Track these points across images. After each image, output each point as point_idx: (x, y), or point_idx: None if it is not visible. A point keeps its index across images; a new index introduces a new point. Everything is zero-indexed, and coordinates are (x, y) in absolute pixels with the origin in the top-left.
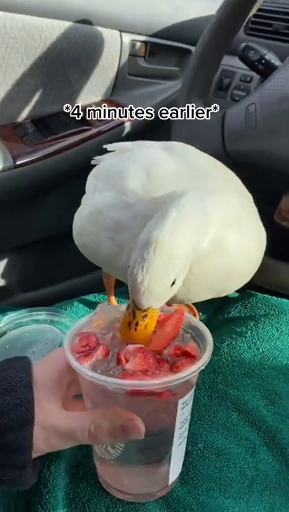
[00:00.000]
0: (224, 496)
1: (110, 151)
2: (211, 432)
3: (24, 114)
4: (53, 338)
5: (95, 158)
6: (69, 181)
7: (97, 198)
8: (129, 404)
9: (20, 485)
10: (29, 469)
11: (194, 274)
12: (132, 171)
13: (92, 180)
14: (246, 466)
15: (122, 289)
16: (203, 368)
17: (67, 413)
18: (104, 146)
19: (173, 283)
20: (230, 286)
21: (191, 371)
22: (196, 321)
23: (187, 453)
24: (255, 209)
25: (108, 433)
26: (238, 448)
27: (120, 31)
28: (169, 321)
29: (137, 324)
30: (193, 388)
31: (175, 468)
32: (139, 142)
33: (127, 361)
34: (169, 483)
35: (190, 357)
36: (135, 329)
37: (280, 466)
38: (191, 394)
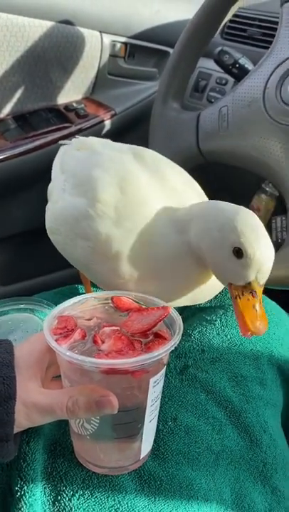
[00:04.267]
0: (192, 469)
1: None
2: (180, 411)
3: (6, 110)
4: (33, 327)
5: (62, 142)
6: (49, 177)
7: (69, 202)
8: (104, 382)
9: (1, 457)
10: (11, 443)
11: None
12: (105, 182)
13: (59, 175)
14: (213, 442)
15: None
16: (172, 348)
17: (47, 391)
18: (73, 139)
19: None
20: (207, 291)
21: (162, 351)
22: (170, 310)
23: (158, 430)
24: None
25: (84, 408)
26: (205, 426)
27: (101, 32)
28: (155, 312)
29: (260, 303)
30: (164, 368)
31: (147, 443)
32: (109, 143)
33: (102, 342)
34: (141, 458)
35: (161, 338)
36: (260, 308)
37: (244, 442)
38: (162, 373)
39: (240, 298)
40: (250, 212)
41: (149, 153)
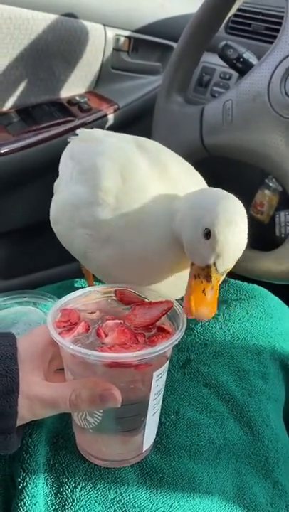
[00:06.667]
0: (194, 462)
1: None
2: (183, 405)
3: (9, 103)
4: (36, 320)
5: (70, 139)
6: (52, 171)
7: (70, 191)
8: (107, 375)
9: (4, 449)
10: (14, 435)
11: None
12: (107, 169)
13: (69, 162)
14: (215, 435)
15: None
16: (176, 342)
17: (50, 384)
18: (77, 131)
19: None
20: None
21: (166, 345)
22: (174, 304)
23: (161, 423)
24: None
25: (88, 401)
26: (208, 419)
27: (104, 25)
28: (158, 306)
29: (215, 291)
30: (168, 362)
31: (149, 437)
32: (112, 134)
33: (106, 335)
34: (143, 451)
35: (165, 332)
36: (211, 295)
37: (246, 436)
38: (165, 367)
39: (195, 278)
40: (236, 200)
41: (151, 143)
